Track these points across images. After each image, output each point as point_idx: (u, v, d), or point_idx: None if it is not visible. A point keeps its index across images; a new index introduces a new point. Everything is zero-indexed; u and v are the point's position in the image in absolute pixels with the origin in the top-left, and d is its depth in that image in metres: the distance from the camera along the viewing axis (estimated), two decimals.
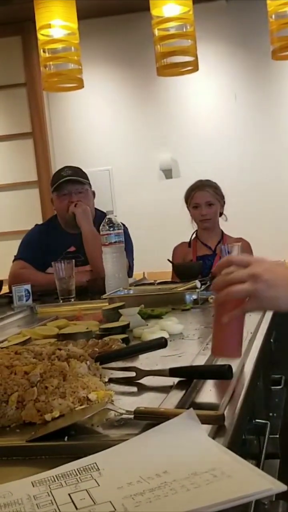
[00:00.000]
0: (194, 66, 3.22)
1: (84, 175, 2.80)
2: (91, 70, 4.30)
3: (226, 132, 4.59)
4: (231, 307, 1.00)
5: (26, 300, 2.22)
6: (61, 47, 3.19)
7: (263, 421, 1.21)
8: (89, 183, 2.81)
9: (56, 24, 3.08)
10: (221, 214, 3.06)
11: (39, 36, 3.12)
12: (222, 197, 3.03)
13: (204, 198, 2.97)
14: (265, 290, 0.98)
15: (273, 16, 3.10)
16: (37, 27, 3.09)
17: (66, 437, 0.84)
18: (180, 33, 3.12)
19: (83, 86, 3.31)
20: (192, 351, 1.27)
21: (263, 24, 3.32)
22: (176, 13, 3.07)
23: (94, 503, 0.65)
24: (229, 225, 3.10)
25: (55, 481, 0.72)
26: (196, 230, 3.07)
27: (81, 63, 3.22)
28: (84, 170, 2.87)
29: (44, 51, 3.15)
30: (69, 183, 2.73)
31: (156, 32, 3.11)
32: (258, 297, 0.99)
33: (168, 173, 4.68)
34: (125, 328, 1.52)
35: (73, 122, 4.81)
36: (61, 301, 2.24)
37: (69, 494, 0.68)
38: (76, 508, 0.65)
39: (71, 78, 3.28)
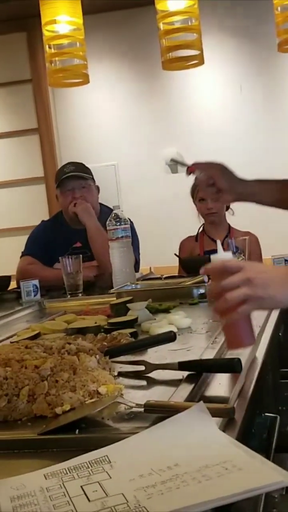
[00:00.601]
0: (199, 60, 3.21)
1: (87, 170, 2.80)
2: (96, 65, 4.29)
3: (232, 125, 4.57)
4: (232, 308, 1.02)
5: (34, 295, 2.23)
6: (66, 43, 3.18)
7: (272, 414, 1.21)
8: (93, 178, 2.80)
9: (61, 19, 3.07)
10: (228, 208, 3.04)
11: (44, 32, 3.12)
12: None
13: None
14: (261, 291, 1.00)
15: (279, 8, 3.09)
16: (42, 23, 3.09)
17: (77, 430, 0.85)
18: (185, 27, 3.11)
19: (88, 82, 3.31)
20: (201, 345, 1.27)
21: (269, 17, 3.31)
22: (181, 7, 3.06)
23: (107, 495, 0.66)
24: (236, 219, 3.08)
25: (67, 473, 0.73)
26: (203, 224, 3.05)
27: (87, 58, 3.22)
28: (89, 165, 2.86)
29: (49, 47, 3.14)
30: (72, 179, 2.73)
31: (161, 26, 3.10)
32: (256, 299, 1.01)
33: (174, 168, 4.67)
34: (133, 323, 1.53)
35: (79, 118, 4.80)
36: (69, 296, 2.24)
37: (81, 486, 0.69)
38: (89, 500, 0.65)
39: (77, 73, 3.28)
